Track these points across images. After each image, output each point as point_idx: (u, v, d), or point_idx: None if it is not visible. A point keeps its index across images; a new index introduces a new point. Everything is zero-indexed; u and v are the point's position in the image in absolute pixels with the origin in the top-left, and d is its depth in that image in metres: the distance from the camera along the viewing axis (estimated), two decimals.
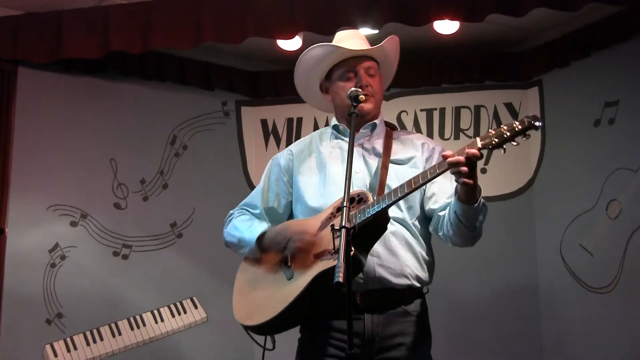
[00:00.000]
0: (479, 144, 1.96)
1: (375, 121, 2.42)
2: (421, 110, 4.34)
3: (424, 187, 2.29)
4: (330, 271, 1.95)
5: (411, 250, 2.28)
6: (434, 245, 2.40)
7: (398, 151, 2.38)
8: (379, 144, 2.39)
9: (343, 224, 1.87)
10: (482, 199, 2.11)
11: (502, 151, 1.96)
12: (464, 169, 1.96)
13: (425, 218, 2.35)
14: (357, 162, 2.34)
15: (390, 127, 2.48)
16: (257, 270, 2.38)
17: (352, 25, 3.63)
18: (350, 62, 2.38)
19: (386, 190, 2.26)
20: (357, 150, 2.35)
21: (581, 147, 3.95)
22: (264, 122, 4.46)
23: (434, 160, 2.36)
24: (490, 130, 1.97)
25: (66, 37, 3.67)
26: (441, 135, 4.29)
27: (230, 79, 4.42)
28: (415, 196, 2.32)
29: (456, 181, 2.04)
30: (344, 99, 2.32)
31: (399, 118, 4.33)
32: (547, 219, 4.08)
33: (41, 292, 3.72)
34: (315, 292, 2.12)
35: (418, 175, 2.06)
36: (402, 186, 2.09)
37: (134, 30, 3.64)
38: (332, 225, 2.02)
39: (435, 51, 4.27)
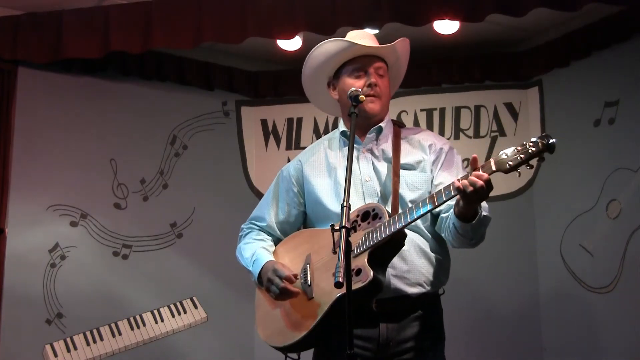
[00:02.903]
0: (494, 168, 1.96)
1: (380, 124, 2.38)
2: (421, 110, 4.34)
3: (429, 187, 2.31)
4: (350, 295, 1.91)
5: (425, 256, 2.27)
6: None
7: (407, 154, 2.35)
8: (387, 147, 2.36)
9: (343, 224, 1.87)
10: (482, 214, 2.11)
11: (518, 174, 1.94)
12: (479, 187, 1.96)
13: (434, 219, 2.33)
14: (367, 169, 2.33)
15: (398, 125, 2.45)
16: None
17: (352, 25, 3.62)
18: (361, 60, 2.35)
19: (399, 200, 2.24)
20: (365, 157, 2.35)
21: (581, 147, 3.94)
22: (264, 122, 4.46)
23: (440, 163, 2.34)
24: (505, 152, 1.95)
25: (66, 37, 3.67)
26: (441, 135, 4.29)
27: (230, 79, 4.41)
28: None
29: (459, 191, 2.01)
30: None
31: (399, 118, 4.32)
32: (547, 219, 4.08)
33: (41, 292, 3.72)
34: (336, 313, 2.10)
35: (433, 195, 2.05)
36: (417, 205, 2.07)
37: (134, 30, 3.64)
38: (332, 226, 2.01)
39: (435, 51, 4.27)
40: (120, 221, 4.01)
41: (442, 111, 4.32)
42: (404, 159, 2.33)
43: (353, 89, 2.25)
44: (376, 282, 2.04)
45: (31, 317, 3.67)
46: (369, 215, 2.16)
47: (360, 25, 3.68)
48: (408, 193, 2.26)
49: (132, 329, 3.93)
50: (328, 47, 2.36)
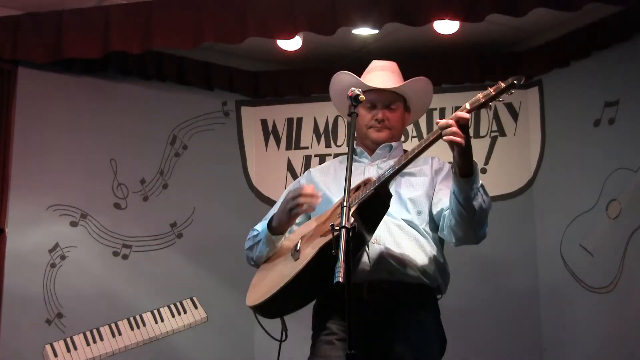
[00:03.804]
0: (468, 107, 2.07)
1: (392, 143, 2.55)
2: None
3: (431, 194, 2.40)
4: (332, 243, 2.00)
5: (420, 247, 2.33)
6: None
7: (410, 167, 2.42)
8: (392, 163, 2.46)
9: (343, 224, 1.88)
10: (481, 182, 2.17)
11: (489, 108, 2.12)
12: (454, 129, 2.04)
13: (436, 227, 2.40)
14: (371, 175, 2.43)
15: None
16: (270, 264, 2.44)
17: (352, 25, 3.64)
18: (373, 95, 2.51)
19: (397, 195, 2.35)
20: (372, 168, 2.50)
21: (581, 147, 3.94)
22: (264, 122, 4.46)
23: (444, 172, 2.45)
24: (479, 94, 2.09)
25: (66, 37, 3.67)
26: None
27: (230, 79, 4.41)
28: (424, 202, 2.40)
29: (449, 145, 2.08)
30: (362, 126, 2.56)
31: None
32: (547, 219, 4.08)
33: (41, 292, 3.72)
34: (319, 266, 2.13)
35: (414, 147, 2.14)
36: (399, 159, 2.17)
37: (134, 30, 3.64)
38: (332, 225, 2.02)
39: (435, 51, 4.27)
40: (120, 221, 4.01)
41: (442, 111, 4.32)
42: (406, 170, 2.40)
43: (353, 88, 2.31)
44: (358, 232, 2.05)
45: (31, 317, 3.67)
46: (359, 187, 2.28)
47: (360, 25, 3.70)
48: (405, 191, 2.38)
49: (132, 329, 3.93)
50: (344, 78, 2.61)
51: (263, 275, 2.43)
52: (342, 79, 2.62)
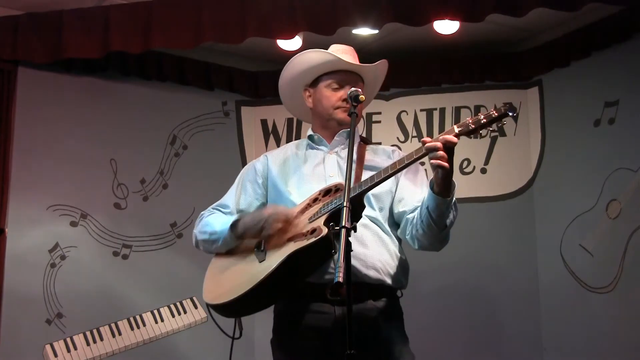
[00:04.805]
0: (456, 130, 2.02)
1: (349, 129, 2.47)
2: (421, 110, 4.34)
3: (394, 190, 2.37)
4: (304, 250, 2.08)
5: (384, 246, 2.31)
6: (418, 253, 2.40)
7: (371, 159, 2.43)
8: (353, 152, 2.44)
9: (343, 224, 1.87)
10: (455, 199, 2.15)
11: (478, 136, 2.04)
12: (441, 153, 2.01)
13: (395, 224, 2.38)
14: (332, 168, 2.41)
15: (364, 142, 2.54)
16: (230, 258, 2.39)
17: (352, 25, 3.64)
18: (340, 75, 2.44)
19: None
20: (331, 157, 2.45)
21: (581, 147, 3.95)
22: (264, 122, 4.46)
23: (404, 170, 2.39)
24: (468, 119, 2.03)
25: (66, 37, 3.67)
26: None
27: (230, 79, 4.42)
28: (387, 199, 2.37)
29: (432, 167, 2.06)
30: (327, 107, 2.43)
31: (399, 118, 4.33)
32: (547, 219, 4.08)
33: (41, 292, 3.72)
34: (287, 272, 2.14)
35: (395, 162, 2.11)
36: (378, 173, 2.14)
37: (134, 30, 3.64)
38: (332, 226, 2.02)
39: (435, 51, 4.27)
40: (120, 221, 4.01)
41: (442, 111, 4.32)
42: (367, 162, 2.41)
43: (353, 89, 2.31)
44: (328, 240, 2.03)
45: (31, 317, 3.67)
46: (330, 191, 2.25)
47: (360, 25, 3.70)
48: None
49: (132, 329, 3.93)
50: (313, 56, 2.47)
51: (221, 269, 2.37)
52: (311, 57, 2.46)
